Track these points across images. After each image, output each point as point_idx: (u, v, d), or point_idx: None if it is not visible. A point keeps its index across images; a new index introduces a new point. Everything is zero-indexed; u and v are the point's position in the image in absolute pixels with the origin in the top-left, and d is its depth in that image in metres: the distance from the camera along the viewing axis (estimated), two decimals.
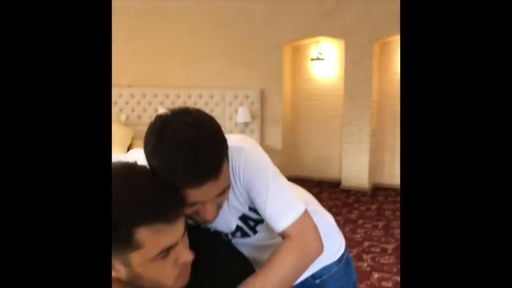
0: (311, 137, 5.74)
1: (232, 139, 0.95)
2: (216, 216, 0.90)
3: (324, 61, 5.50)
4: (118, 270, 0.79)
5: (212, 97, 5.46)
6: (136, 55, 5.45)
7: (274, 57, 5.40)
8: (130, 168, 0.81)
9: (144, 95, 5.43)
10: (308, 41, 5.56)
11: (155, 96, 5.44)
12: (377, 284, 2.90)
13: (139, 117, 5.42)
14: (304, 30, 5.31)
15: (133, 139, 4.90)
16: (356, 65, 5.11)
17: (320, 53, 5.51)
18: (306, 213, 0.99)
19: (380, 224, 4.08)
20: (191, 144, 0.79)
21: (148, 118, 5.37)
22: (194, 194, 0.81)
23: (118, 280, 0.80)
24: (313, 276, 1.26)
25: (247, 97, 5.43)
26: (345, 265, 1.35)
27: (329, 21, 5.16)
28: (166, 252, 0.77)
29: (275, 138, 5.50)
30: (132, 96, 5.42)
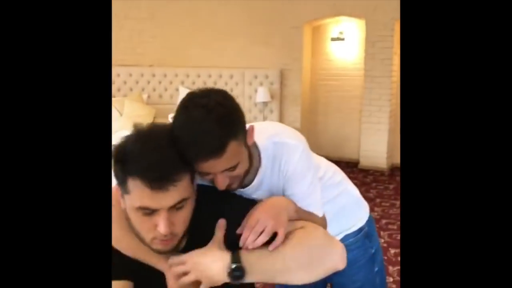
0: (330, 117, 5.69)
1: (287, 134, 1.14)
2: (227, 185, 0.98)
3: (344, 41, 5.40)
4: (122, 202, 0.89)
5: (231, 76, 5.44)
6: (158, 35, 5.45)
7: (294, 37, 5.32)
8: (152, 128, 0.90)
9: (165, 75, 5.46)
10: (328, 20, 5.45)
11: (176, 75, 5.46)
12: (393, 259, 2.99)
13: (160, 96, 5.46)
14: (324, 9, 5.20)
15: (155, 117, 4.95)
16: (377, 45, 5.00)
17: (341, 33, 5.40)
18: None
19: (397, 203, 4.07)
20: (198, 126, 0.88)
21: (169, 97, 5.41)
22: (201, 167, 0.90)
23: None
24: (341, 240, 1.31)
25: (266, 77, 5.40)
26: (363, 238, 1.37)
27: (350, 0, 5.04)
28: (146, 211, 0.84)
29: (294, 117, 5.47)
30: (154, 75, 5.45)
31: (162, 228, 0.82)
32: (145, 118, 4.78)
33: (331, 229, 1.15)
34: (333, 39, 5.48)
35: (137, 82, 5.41)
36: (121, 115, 4.74)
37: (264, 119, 5.40)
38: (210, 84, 5.45)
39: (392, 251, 3.13)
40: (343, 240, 1.32)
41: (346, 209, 1.34)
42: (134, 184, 0.82)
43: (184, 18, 5.43)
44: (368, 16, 4.99)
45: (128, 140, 0.86)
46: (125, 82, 5.39)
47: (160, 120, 4.81)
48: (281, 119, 5.44)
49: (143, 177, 0.81)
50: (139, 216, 0.85)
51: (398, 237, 3.30)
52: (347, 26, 5.41)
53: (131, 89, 5.39)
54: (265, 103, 5.36)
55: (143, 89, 5.43)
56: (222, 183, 0.95)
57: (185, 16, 5.42)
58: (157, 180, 0.81)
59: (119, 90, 5.36)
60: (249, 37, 5.39)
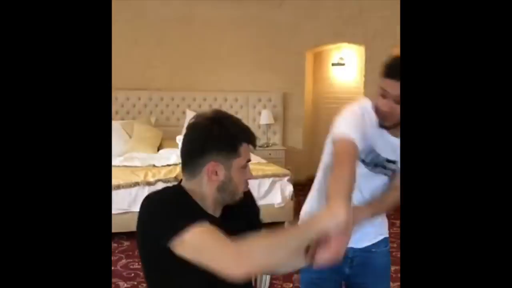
0: None
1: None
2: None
3: (345, 66, 5.45)
4: (219, 175, 1.09)
5: (236, 100, 5.49)
6: (166, 60, 5.52)
7: (296, 62, 5.38)
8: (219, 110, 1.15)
9: (172, 98, 5.51)
10: (329, 47, 5.52)
11: (183, 99, 5.51)
12: (393, 275, 2.99)
13: (167, 119, 5.49)
14: (326, 36, 5.28)
15: (162, 139, 4.97)
16: (376, 71, 5.03)
17: (341, 58, 5.46)
18: None
19: (397, 222, 4.02)
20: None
21: (176, 120, 5.44)
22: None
23: (212, 184, 1.09)
24: (373, 246, 1.50)
25: (270, 100, 5.43)
26: (387, 244, 1.57)
27: (351, 28, 5.11)
28: (245, 165, 1.12)
29: (296, 139, 5.48)
30: (162, 99, 5.50)
31: (250, 174, 1.14)
32: (153, 140, 4.80)
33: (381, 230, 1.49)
34: (333, 64, 5.53)
35: (145, 106, 5.46)
36: (130, 137, 4.76)
37: (268, 140, 5.42)
38: (215, 107, 5.48)
39: (393, 268, 3.08)
40: (381, 243, 1.54)
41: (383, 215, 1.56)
42: (244, 147, 1.09)
43: (191, 45, 5.51)
44: (368, 42, 5.05)
45: (216, 118, 1.09)
46: (134, 105, 5.43)
47: (168, 142, 4.83)
48: (284, 141, 5.45)
49: (251, 140, 1.11)
50: (241, 171, 1.10)
51: (398, 255, 3.25)
52: (348, 52, 5.47)
53: (139, 112, 5.43)
54: (268, 125, 5.39)
55: (151, 112, 5.47)
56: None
57: (192, 42, 5.51)
58: (255, 141, 1.13)
59: (128, 113, 5.40)
60: (253, 63, 5.46)
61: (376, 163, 1.38)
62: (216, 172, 1.08)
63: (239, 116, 5.81)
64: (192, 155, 1.10)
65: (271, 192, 3.75)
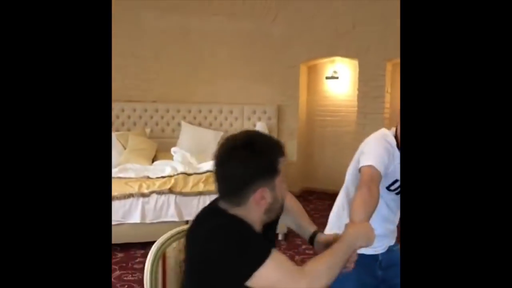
0: (325, 151, 5.71)
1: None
2: None
3: (339, 80, 5.49)
4: (266, 199, 1.10)
5: (231, 112, 5.50)
6: (162, 72, 5.55)
7: (291, 75, 5.43)
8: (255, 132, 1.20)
9: (167, 110, 5.51)
10: (323, 60, 5.57)
11: (178, 111, 5.51)
12: None
13: (162, 130, 5.49)
14: (320, 50, 5.33)
15: (157, 151, 4.96)
16: (369, 84, 5.09)
17: (335, 72, 5.51)
18: None
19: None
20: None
21: (171, 132, 5.44)
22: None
23: (260, 209, 1.11)
24: (393, 245, 1.72)
25: (264, 112, 5.45)
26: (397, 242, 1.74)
27: (344, 42, 5.17)
28: (283, 177, 1.13)
29: (291, 151, 5.48)
30: (157, 111, 5.50)
31: (285, 183, 1.15)
32: (147, 152, 4.79)
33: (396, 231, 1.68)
34: (327, 78, 5.58)
35: (140, 117, 5.45)
36: (125, 148, 4.74)
37: None
38: (210, 119, 5.50)
39: None
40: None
41: None
42: (280, 162, 1.11)
43: (186, 57, 5.54)
44: (361, 56, 5.10)
45: (250, 144, 1.10)
46: (129, 117, 5.43)
47: (162, 154, 4.81)
48: None
49: (283, 153, 1.13)
50: (281, 186, 1.13)
51: None
52: (341, 66, 5.52)
53: (134, 124, 5.42)
54: None
55: (146, 124, 5.47)
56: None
57: (187, 55, 5.54)
58: (284, 150, 1.14)
59: (123, 124, 5.39)
60: (248, 75, 5.49)
61: (399, 191, 1.59)
62: (263, 196, 1.10)
63: (233, 128, 5.84)
64: (237, 188, 1.10)
65: None
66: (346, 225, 1.20)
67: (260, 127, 5.27)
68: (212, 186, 4.51)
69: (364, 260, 1.55)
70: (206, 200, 3.79)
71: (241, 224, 1.10)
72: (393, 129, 1.60)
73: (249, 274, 1.00)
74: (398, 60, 5.12)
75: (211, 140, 5.17)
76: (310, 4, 5.26)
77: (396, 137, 1.54)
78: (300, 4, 5.29)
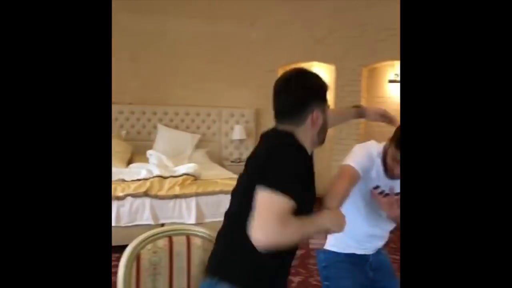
0: None
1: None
2: None
3: None
4: (319, 120, 1.29)
5: (209, 115, 5.47)
6: (138, 74, 5.47)
7: (269, 79, 5.41)
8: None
9: (144, 112, 5.44)
10: (301, 65, 5.62)
11: (155, 113, 5.45)
12: None
13: (138, 133, 5.41)
14: (297, 55, 5.38)
15: (132, 153, 4.88)
16: (345, 89, 5.17)
17: None
18: None
19: None
20: None
21: (147, 134, 5.36)
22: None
23: (315, 129, 1.30)
24: (383, 248, 1.84)
25: (242, 115, 5.45)
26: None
27: (321, 47, 5.24)
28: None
29: None
30: (133, 113, 5.42)
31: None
32: (123, 154, 4.70)
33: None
34: None
35: (116, 119, 5.35)
36: None
37: (240, 155, 5.41)
38: (187, 122, 5.46)
39: None
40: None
41: None
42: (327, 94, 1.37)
43: (163, 60, 5.49)
44: (338, 62, 5.18)
45: (308, 72, 1.39)
46: None
47: (138, 157, 4.74)
48: None
49: (328, 87, 1.39)
50: (327, 114, 1.34)
51: None
52: (319, 70, 5.57)
53: None
54: (241, 140, 5.39)
55: (121, 126, 5.38)
56: None
57: (164, 57, 5.49)
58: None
59: None
60: (226, 78, 5.48)
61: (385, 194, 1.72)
62: (318, 117, 1.28)
63: (211, 131, 5.77)
64: (297, 107, 1.29)
65: None
66: (322, 211, 1.31)
67: (238, 130, 5.27)
68: (188, 189, 4.42)
69: (357, 260, 1.73)
70: (182, 203, 3.75)
71: (300, 149, 1.26)
72: (384, 143, 1.75)
73: (263, 184, 1.10)
74: (374, 66, 5.23)
75: (188, 143, 5.13)
76: (287, 9, 5.31)
77: (385, 147, 1.71)
78: (278, 9, 5.33)
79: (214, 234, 1.37)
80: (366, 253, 1.77)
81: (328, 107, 1.35)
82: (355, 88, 5.14)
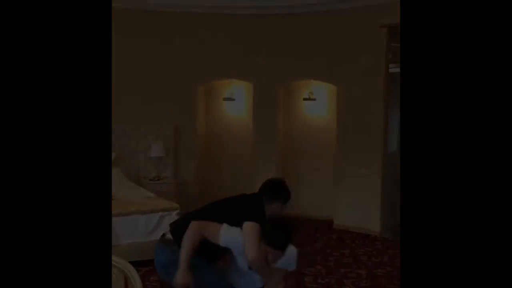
0: (225, 171, 5.74)
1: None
2: None
3: (235, 101, 5.62)
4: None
5: (125, 131, 5.22)
6: None
7: (188, 96, 5.40)
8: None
9: None
10: (221, 82, 5.66)
11: None
12: None
13: None
14: (216, 73, 5.42)
15: None
16: (263, 105, 5.31)
17: (232, 93, 5.63)
18: None
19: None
20: None
21: None
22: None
23: None
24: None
25: (161, 132, 5.31)
26: None
27: (238, 66, 5.33)
28: None
29: (189, 172, 5.41)
30: None
31: None
32: None
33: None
34: (224, 99, 5.68)
35: None
36: None
37: (159, 173, 5.24)
38: None
39: None
40: None
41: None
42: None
43: None
44: (256, 80, 5.32)
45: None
46: None
47: None
48: (176, 174, 5.33)
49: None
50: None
51: None
52: (237, 88, 5.67)
53: None
54: (159, 158, 5.23)
55: None
56: None
57: None
58: None
59: None
60: (145, 94, 5.30)
61: None
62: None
63: (127, 148, 5.46)
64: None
65: (159, 227, 3.58)
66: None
67: (157, 147, 5.11)
68: None
69: None
70: None
71: None
72: None
73: None
74: (290, 84, 5.44)
75: None
76: (206, 27, 5.33)
77: None
78: (197, 27, 5.33)
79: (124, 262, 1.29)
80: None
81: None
82: (273, 105, 5.31)
